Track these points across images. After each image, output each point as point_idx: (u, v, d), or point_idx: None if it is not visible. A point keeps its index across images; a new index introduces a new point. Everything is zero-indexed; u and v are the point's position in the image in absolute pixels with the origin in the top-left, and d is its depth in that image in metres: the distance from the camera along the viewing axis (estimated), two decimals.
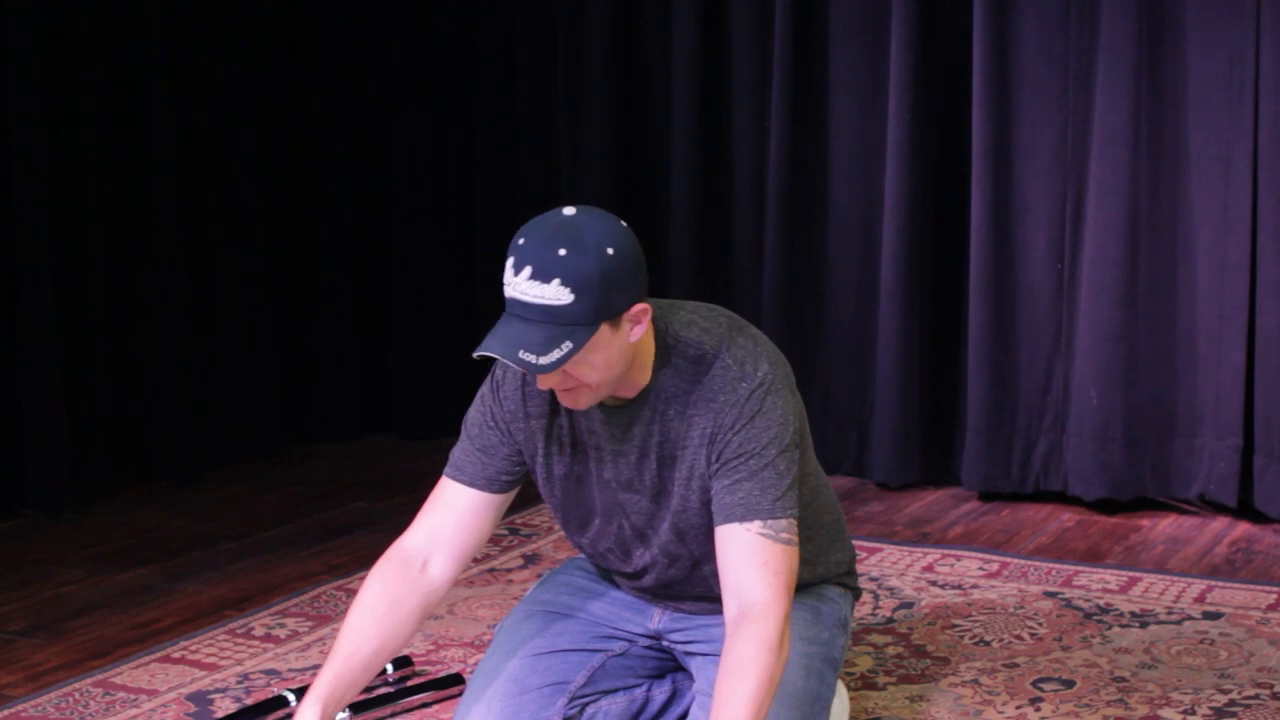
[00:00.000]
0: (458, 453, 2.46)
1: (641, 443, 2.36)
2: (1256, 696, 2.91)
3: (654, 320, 2.35)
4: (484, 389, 2.46)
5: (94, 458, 4.44)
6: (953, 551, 3.89)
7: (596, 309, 2.18)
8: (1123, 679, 3.01)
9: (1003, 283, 4.33)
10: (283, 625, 3.37)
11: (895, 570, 3.74)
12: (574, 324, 2.17)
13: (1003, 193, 4.31)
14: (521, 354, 2.15)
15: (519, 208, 4.89)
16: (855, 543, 3.86)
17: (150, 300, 4.58)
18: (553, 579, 2.72)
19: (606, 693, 2.59)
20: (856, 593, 2.73)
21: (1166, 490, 4.23)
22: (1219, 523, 4.11)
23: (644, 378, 2.34)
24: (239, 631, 3.37)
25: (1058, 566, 3.73)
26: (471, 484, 2.44)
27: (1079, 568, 3.73)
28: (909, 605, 3.47)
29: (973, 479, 4.40)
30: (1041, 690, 2.97)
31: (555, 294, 2.16)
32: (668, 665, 2.64)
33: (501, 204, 5.06)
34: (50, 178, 4.27)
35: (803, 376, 4.56)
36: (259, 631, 3.33)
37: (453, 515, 2.44)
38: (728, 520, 2.29)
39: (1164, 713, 2.85)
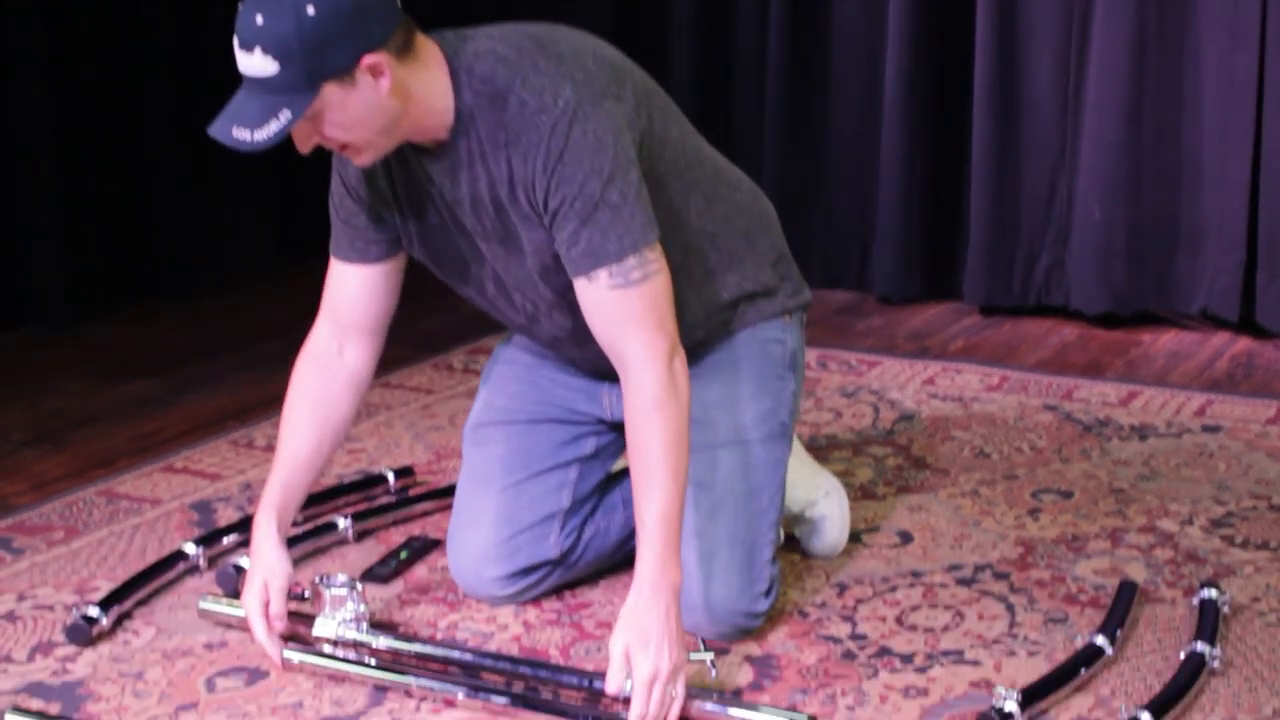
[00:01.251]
0: (333, 232, 2.40)
1: (470, 189, 2.24)
2: (1254, 508, 2.92)
3: (445, 56, 2.19)
4: (334, 160, 2.35)
5: (93, 272, 4.40)
6: (953, 365, 3.88)
7: (308, 72, 2.04)
8: (1121, 490, 3.02)
9: (1007, 99, 4.27)
10: None
11: (896, 383, 3.73)
12: (288, 91, 2.04)
13: (1009, 9, 4.22)
14: (236, 131, 2.03)
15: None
16: (856, 356, 3.89)
17: (150, 112, 4.50)
18: (498, 373, 2.66)
19: (595, 500, 2.59)
20: (801, 303, 2.59)
21: (1168, 305, 4.21)
22: (1220, 337, 4.09)
23: (444, 118, 2.19)
24: (241, 442, 3.37)
25: (1058, 380, 3.73)
26: (348, 259, 2.38)
27: (1079, 381, 3.72)
28: (909, 418, 3.47)
29: (974, 293, 4.37)
30: (1040, 501, 2.98)
31: (261, 64, 2.04)
32: None
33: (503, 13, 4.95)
34: None
35: (805, 193, 4.58)
36: (261, 442, 3.32)
37: (347, 296, 2.40)
38: (576, 275, 2.19)
39: (1162, 524, 2.86)
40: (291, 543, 2.56)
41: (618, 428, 2.56)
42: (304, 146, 2.13)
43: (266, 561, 2.35)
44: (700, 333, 2.45)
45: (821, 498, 2.73)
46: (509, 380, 2.64)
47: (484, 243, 2.31)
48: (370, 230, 2.36)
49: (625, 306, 2.18)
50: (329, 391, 2.42)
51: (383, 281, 2.40)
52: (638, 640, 2.13)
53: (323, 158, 2.31)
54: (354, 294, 2.40)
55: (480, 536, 2.54)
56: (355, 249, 2.38)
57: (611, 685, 2.15)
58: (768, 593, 2.44)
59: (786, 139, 4.59)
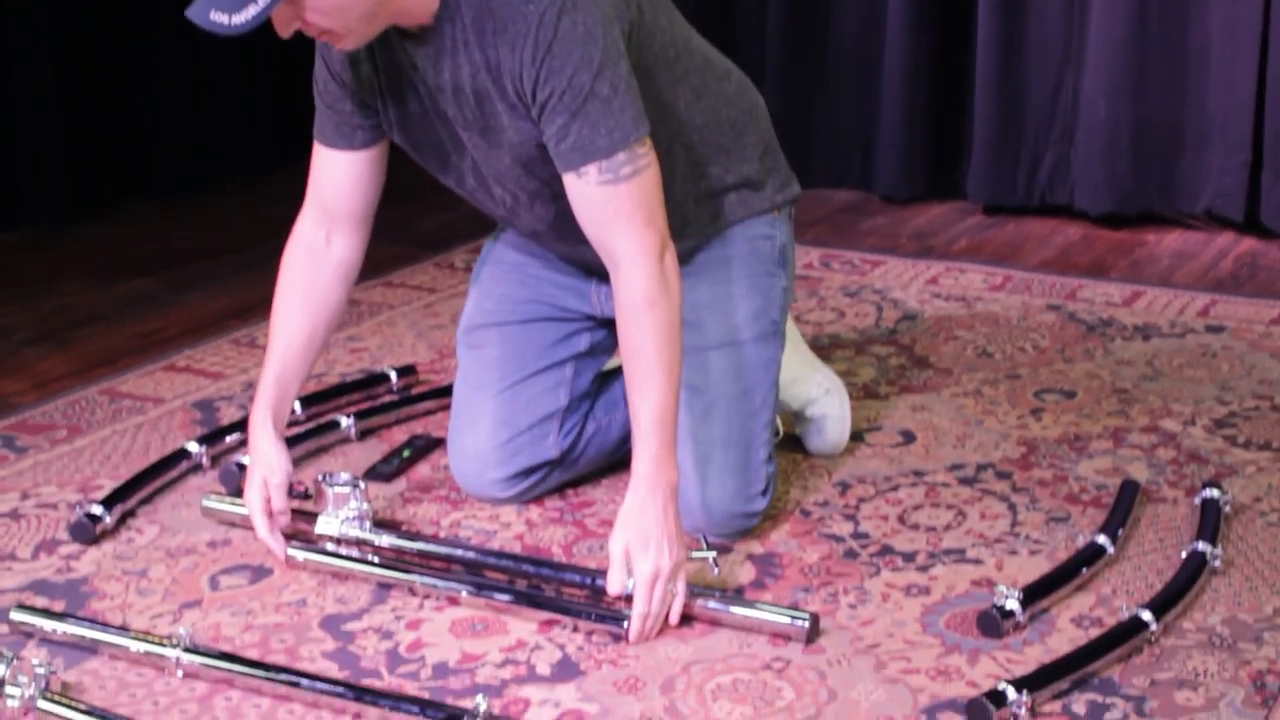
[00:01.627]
0: (317, 117, 2.36)
1: (453, 76, 2.19)
2: (1256, 408, 2.91)
3: None
4: (317, 43, 2.29)
5: (92, 172, 4.37)
6: (957, 264, 3.86)
7: None
8: (1124, 390, 3.01)
9: None
10: None
11: (899, 283, 3.71)
12: None
13: None
14: (213, 14, 1.97)
15: None
16: (859, 255, 3.88)
17: (148, 10, 4.45)
18: (487, 274, 2.63)
19: (593, 397, 2.58)
20: (789, 198, 2.56)
21: (1173, 205, 4.17)
22: (1225, 238, 4.06)
23: (428, 3, 2.14)
24: (243, 341, 3.37)
25: (1062, 280, 3.71)
26: (334, 145, 2.34)
27: (1083, 281, 3.70)
28: (912, 317, 3.46)
29: (978, 192, 4.34)
30: (1043, 401, 2.97)
31: None
32: None
33: None
34: None
35: (808, 92, 4.53)
36: (262, 341, 3.27)
37: (333, 183, 2.37)
38: (566, 170, 2.15)
39: (1164, 423, 2.85)
40: (294, 442, 2.56)
41: (609, 324, 2.53)
42: (284, 31, 2.06)
43: (265, 459, 2.35)
44: (686, 227, 2.42)
45: (822, 395, 2.72)
46: (498, 281, 2.62)
47: (464, 132, 2.27)
48: (355, 115, 2.31)
49: (614, 203, 2.15)
50: (318, 282, 2.40)
51: (369, 168, 2.37)
52: (637, 540, 2.13)
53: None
54: (340, 181, 2.37)
55: (479, 441, 2.54)
56: (341, 134, 2.34)
57: (613, 586, 2.15)
58: (764, 492, 2.44)
59: (790, 35, 4.52)
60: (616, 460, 2.61)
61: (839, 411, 2.73)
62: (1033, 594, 2.20)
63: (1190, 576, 2.24)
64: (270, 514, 2.34)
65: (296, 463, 2.39)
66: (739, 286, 2.47)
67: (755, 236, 2.50)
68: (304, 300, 2.39)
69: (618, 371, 2.59)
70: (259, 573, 2.37)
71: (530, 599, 2.24)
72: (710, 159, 2.44)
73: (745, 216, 2.50)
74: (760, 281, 2.49)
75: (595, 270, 2.37)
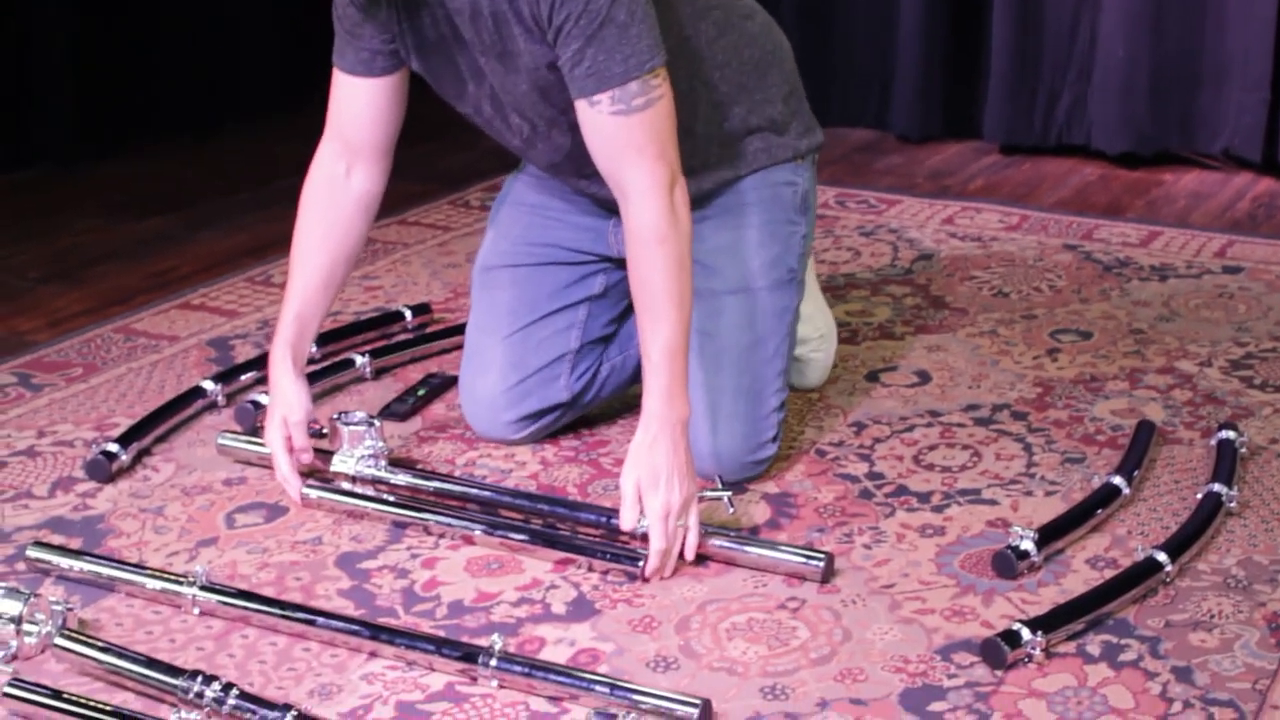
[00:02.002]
0: (336, 44, 2.33)
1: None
2: (1273, 349, 2.90)
3: None
4: None
5: (105, 110, 4.35)
6: (973, 204, 3.84)
7: None
8: (1140, 331, 3.00)
9: None
10: None
11: (915, 222, 3.69)
12: None
13: None
14: None
15: None
16: (875, 194, 3.86)
17: None
18: (505, 214, 2.62)
19: (608, 341, 2.57)
20: (813, 145, 2.54)
21: (1190, 144, 4.15)
22: (1242, 178, 4.03)
23: None
24: (258, 279, 3.36)
25: (1078, 220, 3.69)
26: (354, 72, 2.31)
27: (1100, 221, 3.68)
28: (928, 257, 3.44)
29: (995, 131, 4.33)
30: (1059, 341, 2.96)
31: None
32: None
33: None
34: None
35: (824, 30, 4.49)
36: (278, 279, 3.30)
37: (354, 113, 2.34)
38: (579, 96, 2.13)
39: (1181, 364, 2.84)
40: (309, 380, 2.55)
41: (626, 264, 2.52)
42: None
43: (285, 397, 2.34)
44: (706, 169, 2.40)
45: (815, 339, 2.71)
46: (515, 222, 2.60)
47: (481, 57, 2.24)
48: (374, 41, 2.28)
49: (626, 133, 2.12)
50: (339, 217, 2.37)
51: (390, 97, 2.33)
52: (648, 476, 2.13)
53: None
54: (360, 111, 2.34)
55: (489, 384, 2.53)
56: (360, 61, 2.31)
57: (625, 523, 2.15)
58: (774, 439, 2.43)
59: None
60: (632, 400, 2.60)
61: (825, 358, 2.74)
62: (1048, 535, 2.19)
63: (1206, 518, 2.24)
64: (291, 451, 2.33)
65: (312, 400, 2.38)
66: (757, 232, 2.45)
67: (777, 183, 2.48)
68: (324, 235, 2.37)
69: (631, 311, 2.58)
70: (274, 511, 2.37)
71: (545, 538, 2.23)
72: (733, 99, 2.41)
73: (768, 162, 2.47)
74: (780, 229, 2.47)
75: (614, 209, 2.35)
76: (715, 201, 2.45)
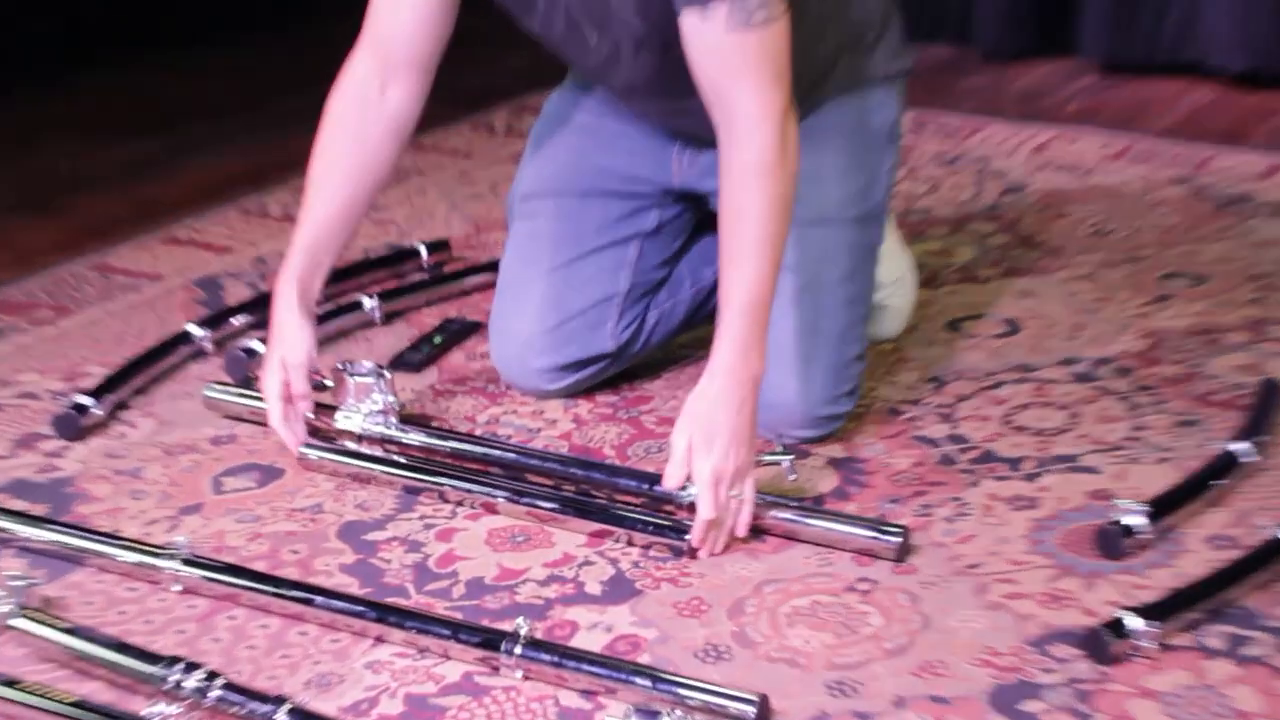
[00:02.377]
0: None
1: None
2: None
3: None
4: None
5: (86, 18, 4.35)
6: (1069, 130, 3.85)
7: None
8: (1263, 276, 2.98)
9: None
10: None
11: (1002, 150, 3.71)
12: None
13: None
14: None
15: None
16: (957, 119, 3.88)
17: None
18: (550, 134, 2.59)
19: (657, 286, 2.55)
20: (902, 68, 2.54)
21: None
22: None
23: None
24: (253, 210, 3.38)
25: (1190, 149, 3.69)
26: None
27: (1215, 150, 3.67)
28: (1018, 190, 3.44)
29: (1094, 47, 4.35)
30: (1169, 287, 2.94)
31: None
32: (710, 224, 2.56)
33: None
34: None
35: None
36: (276, 210, 3.32)
37: (399, 22, 2.29)
38: (688, 5, 2.09)
39: None
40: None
41: (686, 198, 2.52)
42: None
43: (287, 337, 2.32)
44: (793, 88, 2.36)
45: (890, 284, 2.70)
46: (561, 145, 2.58)
47: None
48: None
49: (741, 52, 2.08)
50: (369, 135, 2.34)
51: (440, 6, 2.30)
52: (702, 436, 2.10)
53: None
54: (405, 20, 2.30)
55: (526, 323, 2.51)
56: None
57: (669, 480, 2.13)
58: (852, 392, 2.42)
59: None
60: (678, 351, 2.57)
61: (902, 304, 2.74)
62: (1159, 509, 2.15)
63: None
64: (288, 399, 2.31)
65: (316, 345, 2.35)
66: (844, 159, 2.42)
67: (868, 107, 2.46)
68: (349, 156, 2.34)
69: (684, 253, 2.54)
70: (268, 473, 2.36)
71: (579, 507, 2.22)
72: (829, 14, 2.38)
73: (853, 87, 2.45)
74: (868, 157, 2.45)
75: (681, 132, 2.30)
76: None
